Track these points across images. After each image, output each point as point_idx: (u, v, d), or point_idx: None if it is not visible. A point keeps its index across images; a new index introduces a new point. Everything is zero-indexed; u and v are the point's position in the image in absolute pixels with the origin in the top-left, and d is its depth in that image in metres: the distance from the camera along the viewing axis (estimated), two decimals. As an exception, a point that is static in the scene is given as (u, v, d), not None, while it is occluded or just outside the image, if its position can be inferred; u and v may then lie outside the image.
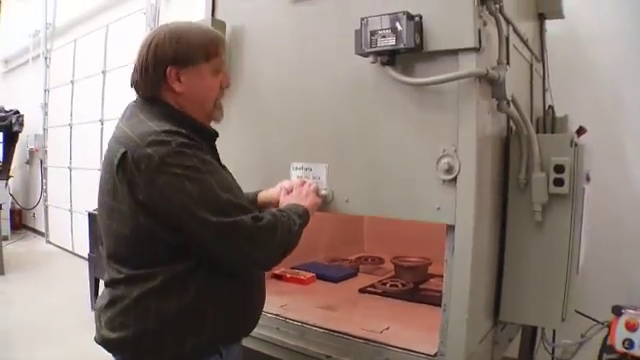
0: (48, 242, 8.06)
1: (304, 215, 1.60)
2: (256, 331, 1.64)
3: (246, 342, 1.67)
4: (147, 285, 1.37)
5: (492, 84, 1.62)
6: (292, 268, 2.62)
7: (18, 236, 8.58)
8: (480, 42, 1.51)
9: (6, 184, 8.24)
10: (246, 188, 1.67)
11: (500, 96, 1.64)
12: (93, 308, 3.33)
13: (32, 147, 8.63)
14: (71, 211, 7.16)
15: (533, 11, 2.56)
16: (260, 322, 1.63)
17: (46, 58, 8.04)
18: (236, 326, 1.54)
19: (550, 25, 2.71)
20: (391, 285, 2.46)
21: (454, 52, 1.54)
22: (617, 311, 2.03)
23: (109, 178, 1.40)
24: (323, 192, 1.83)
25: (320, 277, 2.59)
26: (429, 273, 2.64)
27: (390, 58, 1.61)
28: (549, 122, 2.37)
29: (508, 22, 1.84)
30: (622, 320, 2.00)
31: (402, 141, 1.68)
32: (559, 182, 1.68)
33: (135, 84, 1.54)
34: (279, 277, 2.53)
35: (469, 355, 1.59)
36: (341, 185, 1.84)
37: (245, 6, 2.12)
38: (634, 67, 2.83)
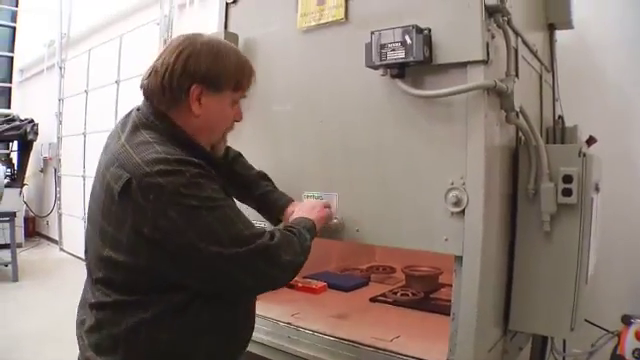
0: (61, 250, 8.13)
1: (312, 229, 1.59)
2: (267, 339, 1.66)
3: (256, 350, 1.69)
4: (138, 314, 1.29)
5: (500, 96, 1.63)
6: (304, 277, 2.63)
7: (32, 243, 8.66)
8: (488, 55, 1.53)
9: (20, 192, 8.34)
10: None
11: (508, 108, 1.65)
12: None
13: (46, 155, 8.72)
14: (84, 219, 7.21)
15: (543, 22, 2.56)
16: (271, 330, 1.65)
17: (61, 68, 8.13)
18: (228, 353, 1.48)
19: (560, 35, 2.72)
20: (402, 294, 2.47)
21: (463, 65, 1.56)
22: (627, 321, 2.03)
23: (106, 201, 1.30)
24: (334, 221, 1.84)
25: (331, 286, 2.59)
26: (440, 282, 2.64)
27: (400, 71, 1.63)
28: (559, 132, 2.38)
29: (517, 34, 1.85)
30: (632, 330, 2.00)
31: (412, 167, 1.70)
32: (567, 192, 1.69)
33: (149, 89, 1.43)
34: (291, 286, 2.53)
35: (478, 363, 1.60)
36: (352, 214, 1.85)
37: (257, 20, 2.14)
38: (645, 77, 2.84)
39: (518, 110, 1.67)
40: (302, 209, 1.74)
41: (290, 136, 2.02)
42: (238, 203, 1.67)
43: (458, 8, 1.55)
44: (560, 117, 2.56)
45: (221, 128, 1.52)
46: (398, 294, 2.47)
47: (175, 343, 1.33)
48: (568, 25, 2.64)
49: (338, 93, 1.88)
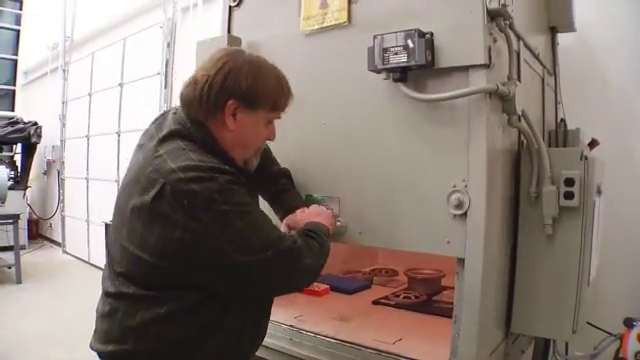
0: (65, 252, 8.14)
1: (328, 234, 1.62)
2: (270, 341, 1.67)
3: (259, 352, 1.69)
4: (153, 309, 1.33)
5: (502, 99, 1.64)
6: (307, 280, 2.63)
7: (35, 246, 8.68)
8: (490, 58, 1.53)
9: (24, 194, 8.37)
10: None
11: (510, 111, 1.65)
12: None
13: (50, 158, 8.75)
14: (87, 222, 7.24)
15: (545, 25, 2.57)
16: (274, 333, 1.65)
17: (64, 70, 8.17)
18: (231, 356, 1.49)
19: (562, 38, 2.72)
20: (404, 297, 2.47)
21: (465, 68, 1.56)
22: (629, 323, 2.03)
23: (139, 202, 1.32)
24: (337, 224, 1.85)
25: (334, 289, 2.60)
26: (442, 285, 2.64)
27: (402, 75, 1.63)
28: (561, 135, 2.38)
29: (519, 37, 1.86)
30: (634, 332, 2.00)
31: (414, 169, 1.70)
32: (569, 195, 1.70)
33: (186, 98, 1.45)
34: (294, 288, 2.54)
35: (480, 366, 1.60)
36: (354, 217, 1.86)
37: (260, 23, 2.15)
38: (647, 79, 2.84)
39: (520, 113, 1.68)
40: (311, 214, 1.74)
41: (293, 138, 2.02)
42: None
43: (460, 12, 1.55)
44: (562, 120, 2.57)
45: (254, 145, 1.55)
46: (400, 297, 2.47)
47: (183, 340, 1.36)
48: (570, 28, 2.65)
49: (341, 96, 1.89)
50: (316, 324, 2.02)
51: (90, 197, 7.29)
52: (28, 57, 10.09)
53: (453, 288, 1.69)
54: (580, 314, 1.74)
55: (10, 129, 8.32)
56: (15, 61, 10.59)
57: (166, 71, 5.58)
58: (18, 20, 10.51)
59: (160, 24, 5.69)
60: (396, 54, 1.59)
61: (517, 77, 1.75)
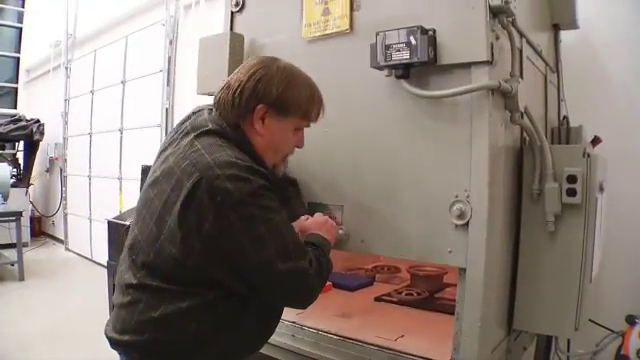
0: (67, 249, 8.15)
1: (329, 252, 1.63)
2: (272, 338, 1.66)
3: (262, 349, 1.70)
4: (174, 303, 1.37)
5: (505, 96, 1.64)
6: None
7: (38, 243, 8.69)
8: (492, 55, 1.53)
9: (26, 192, 8.39)
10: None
11: (513, 108, 1.66)
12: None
13: (52, 155, 8.74)
14: (90, 219, 7.25)
15: (547, 22, 2.56)
16: (277, 329, 1.65)
17: (67, 68, 8.15)
18: (239, 352, 1.54)
19: (565, 35, 2.72)
20: (407, 294, 2.47)
21: (467, 65, 1.56)
22: (631, 320, 2.03)
23: (172, 194, 1.36)
24: (340, 232, 1.84)
25: (337, 286, 2.61)
26: (444, 282, 2.64)
27: (404, 71, 1.63)
28: (563, 132, 2.38)
29: (521, 35, 1.86)
30: (636, 330, 2.00)
31: (417, 178, 1.70)
32: (572, 192, 1.70)
33: (220, 102, 1.50)
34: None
35: (482, 363, 1.60)
36: (357, 225, 1.86)
37: (262, 28, 2.14)
38: (650, 76, 2.83)
39: (522, 110, 1.68)
40: (317, 223, 1.73)
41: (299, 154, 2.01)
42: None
43: (463, 9, 1.56)
44: (565, 117, 2.57)
45: (282, 151, 1.59)
46: (403, 294, 2.47)
47: (199, 334, 1.39)
48: (573, 25, 2.64)
49: (344, 103, 1.88)
50: (318, 321, 2.03)
51: (92, 194, 7.29)
52: (30, 55, 10.08)
53: (455, 285, 1.70)
54: (582, 311, 1.74)
55: (13, 127, 8.33)
56: (17, 59, 10.58)
57: (168, 68, 5.57)
58: (20, 18, 10.51)
59: (162, 22, 5.68)
60: (398, 51, 1.59)
61: (520, 74, 1.75)
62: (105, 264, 4.87)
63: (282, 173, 1.65)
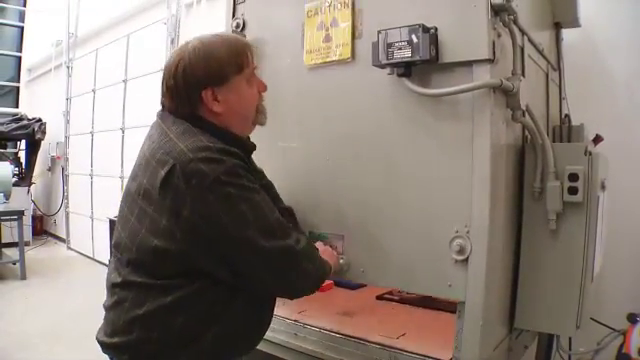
0: (69, 248, 8.18)
1: (329, 272, 1.63)
2: (274, 336, 1.67)
3: (264, 347, 1.70)
4: (158, 298, 1.36)
5: (507, 94, 1.63)
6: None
7: (39, 242, 8.71)
8: (494, 53, 1.53)
9: (28, 191, 8.41)
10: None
11: (514, 106, 1.65)
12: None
13: (54, 154, 8.78)
14: (92, 218, 7.26)
15: (549, 20, 2.56)
16: (278, 327, 1.66)
17: (68, 67, 8.18)
18: (232, 347, 1.51)
19: (567, 33, 2.72)
20: (408, 292, 2.47)
21: (469, 63, 1.56)
22: (632, 319, 2.03)
23: (149, 185, 1.37)
24: (340, 261, 1.83)
25: (338, 284, 2.60)
26: (446, 280, 2.64)
27: (406, 70, 1.63)
28: (565, 131, 2.38)
29: (523, 33, 1.86)
30: (637, 328, 2.00)
31: (420, 207, 1.68)
32: (573, 190, 1.69)
33: (170, 107, 1.50)
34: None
35: (483, 361, 1.60)
36: (358, 256, 1.83)
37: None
38: (651, 74, 2.83)
39: (524, 109, 1.68)
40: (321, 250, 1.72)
41: (297, 174, 1.99)
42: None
43: (464, 7, 1.55)
44: (567, 116, 2.57)
45: (252, 107, 1.58)
46: (404, 292, 2.47)
47: (186, 329, 1.38)
48: (575, 23, 2.65)
49: (347, 133, 1.85)
50: (320, 319, 2.03)
51: (94, 193, 7.31)
52: (32, 54, 10.10)
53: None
54: (584, 310, 1.74)
55: (14, 126, 8.35)
56: (19, 58, 10.61)
57: (170, 67, 5.57)
58: (22, 17, 10.53)
59: (164, 20, 5.70)
60: (400, 49, 1.59)
61: (521, 72, 1.74)
62: (107, 263, 4.89)
63: (265, 122, 1.62)
